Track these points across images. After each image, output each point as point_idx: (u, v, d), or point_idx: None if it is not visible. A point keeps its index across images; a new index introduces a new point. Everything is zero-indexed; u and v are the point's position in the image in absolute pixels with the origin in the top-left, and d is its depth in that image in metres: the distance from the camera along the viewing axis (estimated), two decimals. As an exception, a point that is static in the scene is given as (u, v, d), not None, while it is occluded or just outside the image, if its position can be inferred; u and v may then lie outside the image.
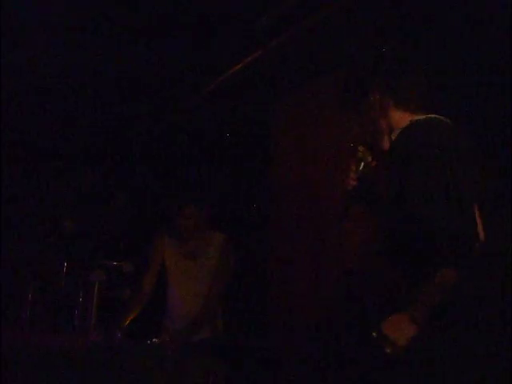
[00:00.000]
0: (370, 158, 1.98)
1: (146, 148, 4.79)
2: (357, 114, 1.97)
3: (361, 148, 1.98)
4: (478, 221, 1.76)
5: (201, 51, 3.67)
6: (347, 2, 2.98)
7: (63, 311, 3.21)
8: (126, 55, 3.71)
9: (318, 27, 3.28)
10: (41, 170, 4.53)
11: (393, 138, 1.88)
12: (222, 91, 4.09)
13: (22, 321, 3.06)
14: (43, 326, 3.12)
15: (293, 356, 3.66)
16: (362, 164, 1.97)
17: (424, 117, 1.82)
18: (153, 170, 4.76)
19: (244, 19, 3.35)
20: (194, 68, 3.87)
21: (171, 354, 2.92)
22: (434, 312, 1.64)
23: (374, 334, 1.66)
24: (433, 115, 1.83)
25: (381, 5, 2.91)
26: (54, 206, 4.41)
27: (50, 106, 4.17)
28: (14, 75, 3.63)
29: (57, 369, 2.74)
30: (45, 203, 4.44)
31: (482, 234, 1.77)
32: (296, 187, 3.88)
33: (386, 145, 1.91)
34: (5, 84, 3.65)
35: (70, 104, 4.20)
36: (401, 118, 1.87)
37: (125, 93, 4.18)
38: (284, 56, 3.63)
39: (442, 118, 1.82)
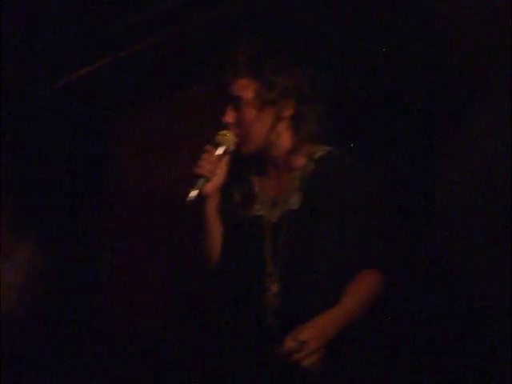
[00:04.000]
0: (232, 145, 1.69)
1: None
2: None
3: (224, 131, 1.70)
4: None
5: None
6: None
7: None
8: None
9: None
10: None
11: (308, 167, 1.69)
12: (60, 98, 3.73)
13: None
14: None
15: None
16: (223, 149, 1.68)
17: (337, 151, 1.72)
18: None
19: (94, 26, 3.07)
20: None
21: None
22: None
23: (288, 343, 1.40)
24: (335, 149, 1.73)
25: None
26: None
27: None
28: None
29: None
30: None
31: None
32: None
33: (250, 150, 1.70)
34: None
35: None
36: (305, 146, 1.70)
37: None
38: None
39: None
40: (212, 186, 1.70)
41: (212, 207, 1.73)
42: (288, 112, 1.67)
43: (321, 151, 1.71)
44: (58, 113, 3.82)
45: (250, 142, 1.68)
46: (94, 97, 3.66)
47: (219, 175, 1.71)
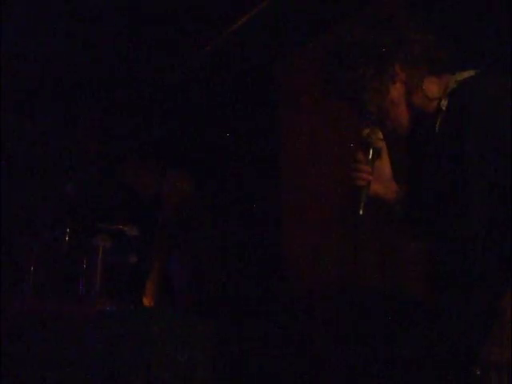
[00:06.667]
0: (380, 143, 1.66)
1: (150, 109, 4.58)
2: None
3: (367, 131, 1.65)
4: None
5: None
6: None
7: (67, 279, 3.10)
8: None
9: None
10: (43, 132, 4.36)
11: (443, 106, 1.59)
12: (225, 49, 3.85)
13: (24, 289, 2.94)
14: (46, 294, 3.00)
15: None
16: (372, 151, 1.65)
17: (472, 74, 1.59)
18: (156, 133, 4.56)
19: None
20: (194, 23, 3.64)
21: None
22: None
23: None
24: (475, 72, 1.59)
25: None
26: (55, 170, 4.26)
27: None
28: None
29: (61, 338, 2.65)
30: (46, 167, 4.29)
31: None
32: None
33: (408, 125, 1.66)
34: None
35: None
36: (438, 84, 1.61)
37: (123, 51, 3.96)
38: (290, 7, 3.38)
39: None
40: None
41: None
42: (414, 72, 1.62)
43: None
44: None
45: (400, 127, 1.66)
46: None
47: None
